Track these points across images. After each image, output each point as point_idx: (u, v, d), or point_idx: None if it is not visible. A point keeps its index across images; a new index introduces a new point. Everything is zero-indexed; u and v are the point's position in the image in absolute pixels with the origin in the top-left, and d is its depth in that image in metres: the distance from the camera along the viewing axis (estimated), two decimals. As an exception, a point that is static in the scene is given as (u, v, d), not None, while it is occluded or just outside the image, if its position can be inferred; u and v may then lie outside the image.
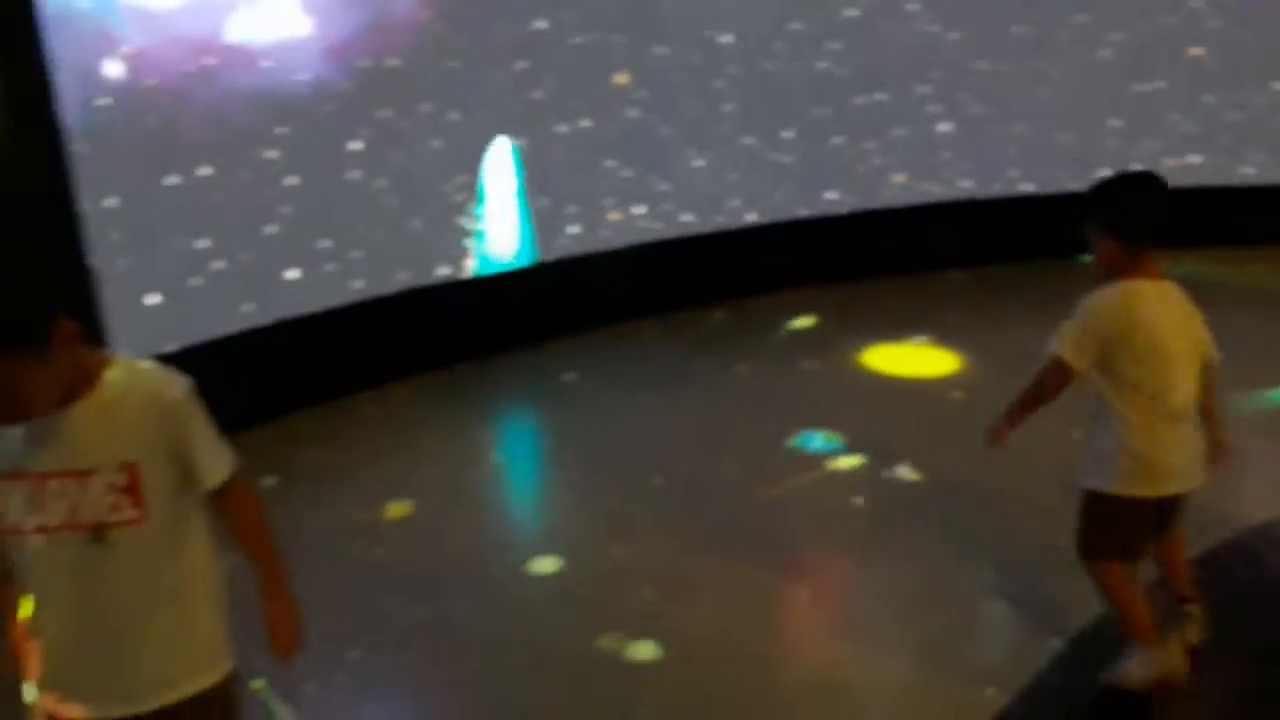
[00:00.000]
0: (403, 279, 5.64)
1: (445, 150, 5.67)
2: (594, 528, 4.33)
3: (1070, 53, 7.11)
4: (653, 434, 5.15)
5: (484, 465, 5.08)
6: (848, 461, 4.74)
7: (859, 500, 4.44)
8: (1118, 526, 3.17)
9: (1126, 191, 3.14)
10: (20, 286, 1.86)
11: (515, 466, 5.19)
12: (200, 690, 2.14)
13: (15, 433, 1.96)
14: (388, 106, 5.43)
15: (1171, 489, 3.17)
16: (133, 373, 2.04)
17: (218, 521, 2.19)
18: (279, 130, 5.09)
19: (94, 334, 4.35)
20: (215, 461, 2.11)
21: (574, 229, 6.19)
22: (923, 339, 6.14)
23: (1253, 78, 7.29)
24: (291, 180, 5.18)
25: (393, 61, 5.41)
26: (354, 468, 4.90)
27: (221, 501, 2.15)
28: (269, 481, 4.64)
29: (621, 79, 6.18)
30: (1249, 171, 7.41)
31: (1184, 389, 3.12)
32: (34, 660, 2.11)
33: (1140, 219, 3.08)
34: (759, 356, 6.00)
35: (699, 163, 6.50)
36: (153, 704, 2.10)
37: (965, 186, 7.13)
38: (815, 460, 4.78)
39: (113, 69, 4.59)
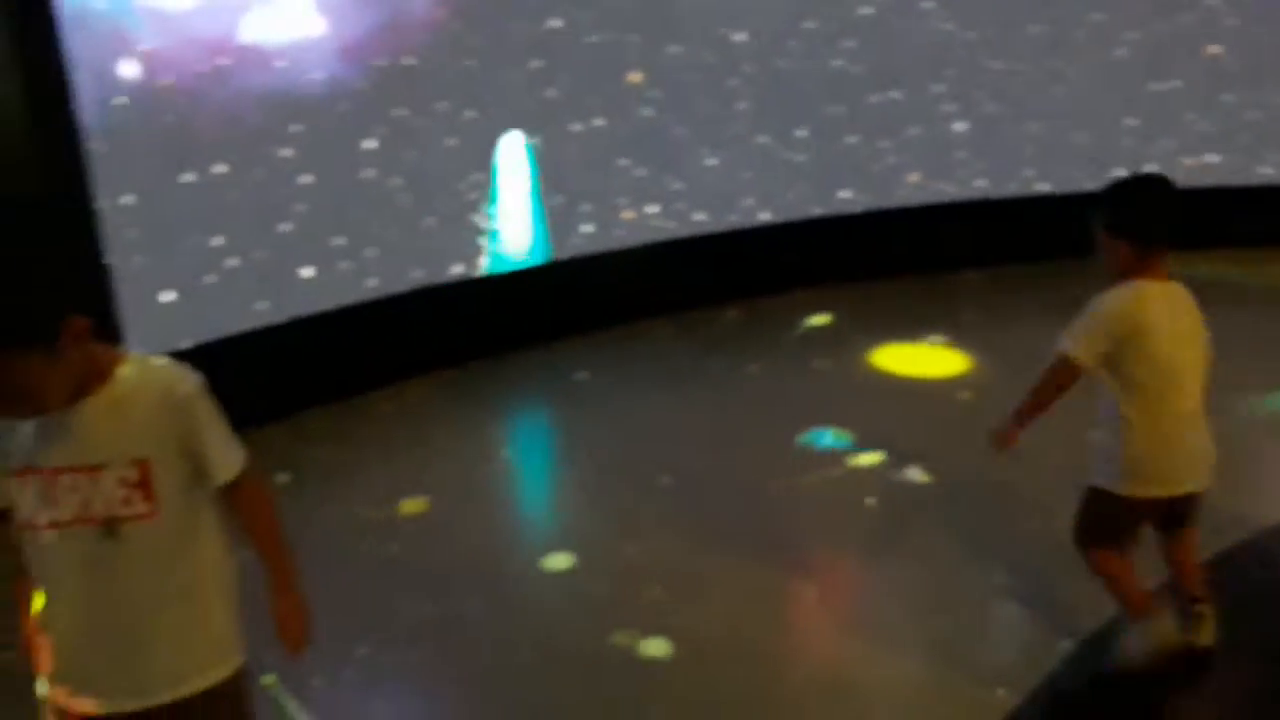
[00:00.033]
0: (416, 277, 5.66)
1: (460, 149, 5.68)
2: (605, 525, 4.34)
3: (1086, 51, 7.07)
4: (664, 433, 5.15)
5: (496, 463, 5.10)
6: (859, 461, 4.74)
7: (870, 500, 4.44)
8: (1117, 523, 3.23)
9: (1137, 194, 3.17)
10: (29, 283, 1.87)
11: (528, 464, 5.21)
12: (211, 685, 2.16)
13: (27, 428, 1.98)
14: (403, 105, 5.45)
15: (1177, 490, 3.18)
16: (145, 369, 2.06)
17: (229, 518, 2.20)
18: (294, 129, 5.11)
19: (110, 331, 4.39)
20: (226, 457, 2.12)
21: (587, 228, 6.20)
22: (937, 339, 6.12)
23: (1271, 76, 7.23)
24: (306, 178, 5.20)
25: (408, 60, 5.42)
26: (366, 465, 4.92)
27: (232, 497, 2.16)
28: (282, 478, 4.66)
29: (635, 78, 6.19)
30: (1267, 171, 7.35)
31: (1191, 390, 3.14)
32: (45, 654, 2.13)
33: (1151, 221, 3.11)
34: (772, 356, 6.00)
35: (712, 161, 6.50)
36: (164, 698, 2.11)
37: (980, 186, 7.10)
38: (827, 459, 4.77)
39: (129, 69, 4.62)
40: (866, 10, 6.66)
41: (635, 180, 6.30)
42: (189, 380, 2.07)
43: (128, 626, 2.07)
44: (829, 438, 4.94)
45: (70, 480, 1.98)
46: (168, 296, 4.86)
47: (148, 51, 4.64)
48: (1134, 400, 3.10)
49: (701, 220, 6.52)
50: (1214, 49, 7.18)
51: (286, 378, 5.27)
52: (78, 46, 4.42)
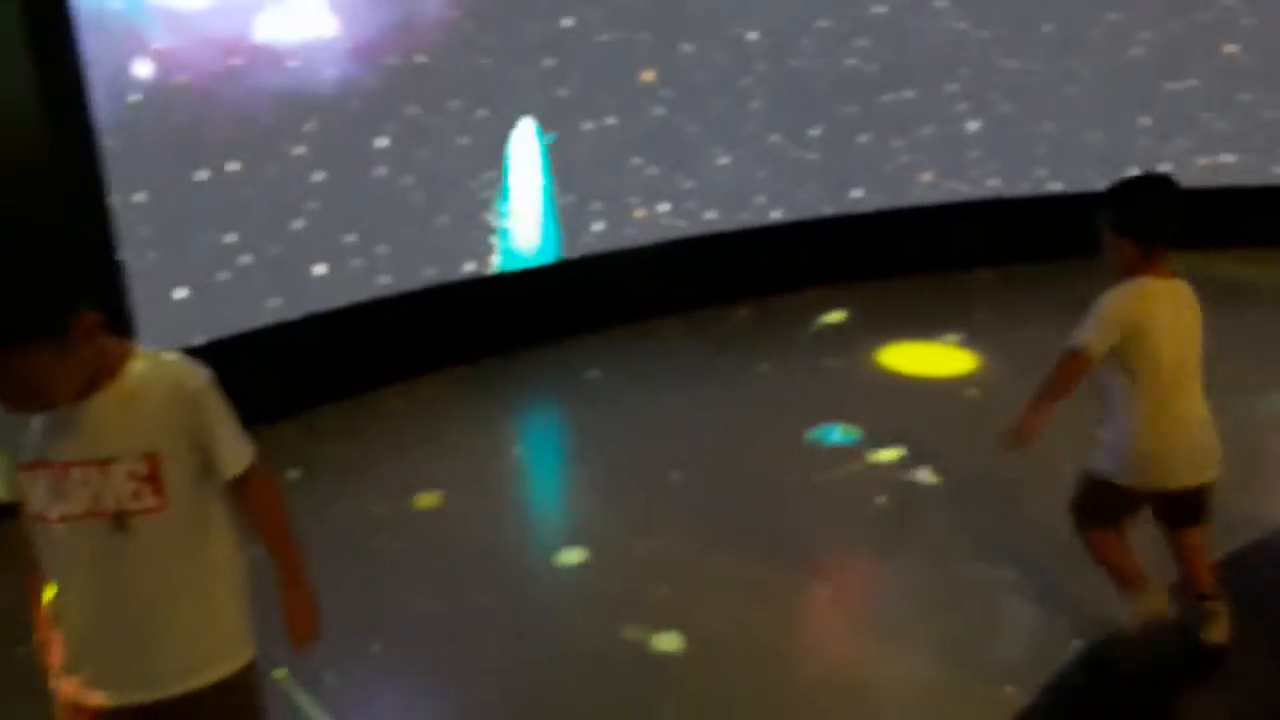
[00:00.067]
0: (429, 275, 5.67)
1: (472, 147, 5.70)
2: (616, 522, 4.35)
3: (1101, 51, 7.04)
4: (675, 430, 5.16)
5: (508, 460, 5.11)
6: (870, 459, 4.73)
7: (881, 498, 4.43)
8: (1116, 510, 3.30)
9: (1142, 193, 3.23)
10: (36, 279, 1.90)
11: (539, 461, 5.22)
12: (222, 678, 2.17)
13: (38, 422, 2.00)
14: (415, 103, 5.47)
15: (1177, 483, 3.22)
16: (155, 363, 2.07)
17: (239, 513, 2.22)
18: (306, 127, 5.13)
19: (122, 327, 4.41)
20: (235, 451, 2.13)
21: (599, 226, 6.21)
22: (949, 338, 6.11)
23: (1288, 76, 7.20)
24: (318, 176, 5.22)
25: (420, 59, 5.44)
26: (378, 461, 4.94)
27: (242, 491, 2.17)
28: (293, 475, 4.68)
29: (648, 76, 6.19)
30: (1283, 171, 7.31)
31: (1192, 386, 3.21)
32: (57, 647, 2.15)
33: (1155, 221, 3.17)
34: (783, 355, 5.99)
35: (724, 160, 6.50)
36: (174, 690, 2.12)
37: (993, 185, 7.08)
38: (837, 458, 4.77)
39: (143, 68, 4.65)
40: (880, 9, 6.65)
41: (647, 179, 6.30)
42: (199, 375, 2.08)
43: (138, 619, 2.09)
44: (839, 436, 4.93)
45: (81, 474, 2.00)
46: (181, 293, 4.88)
47: (161, 50, 4.66)
48: (1136, 394, 3.15)
49: (713, 219, 6.52)
50: (1231, 48, 7.14)
51: (298, 374, 5.29)
52: (92, 46, 4.45)
